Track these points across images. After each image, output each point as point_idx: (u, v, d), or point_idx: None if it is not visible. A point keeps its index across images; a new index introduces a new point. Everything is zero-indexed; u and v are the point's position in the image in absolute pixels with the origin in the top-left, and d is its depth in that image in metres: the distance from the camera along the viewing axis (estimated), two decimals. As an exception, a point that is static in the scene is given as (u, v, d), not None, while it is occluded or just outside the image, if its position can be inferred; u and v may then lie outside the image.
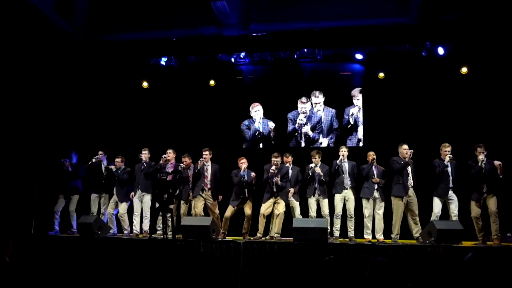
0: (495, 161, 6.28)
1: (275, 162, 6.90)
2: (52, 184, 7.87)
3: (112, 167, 7.55)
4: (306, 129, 8.56)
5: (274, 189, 6.88)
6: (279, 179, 6.82)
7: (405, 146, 6.75)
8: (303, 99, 8.62)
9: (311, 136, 8.52)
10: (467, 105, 7.76)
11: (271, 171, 6.86)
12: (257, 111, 8.83)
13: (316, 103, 8.57)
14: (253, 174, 6.99)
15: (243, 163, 7.09)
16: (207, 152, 7.27)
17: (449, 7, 7.54)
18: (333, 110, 8.50)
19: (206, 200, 7.18)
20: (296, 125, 8.61)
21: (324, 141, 8.46)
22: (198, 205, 7.12)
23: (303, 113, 8.60)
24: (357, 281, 2.45)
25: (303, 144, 8.53)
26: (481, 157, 6.34)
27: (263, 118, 8.79)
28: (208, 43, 8.28)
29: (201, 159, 7.20)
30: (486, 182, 6.31)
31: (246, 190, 7.02)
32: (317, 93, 8.59)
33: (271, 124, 8.72)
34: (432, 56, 7.84)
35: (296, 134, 8.60)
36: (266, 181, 6.94)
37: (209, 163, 7.29)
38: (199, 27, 8.42)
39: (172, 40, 8.35)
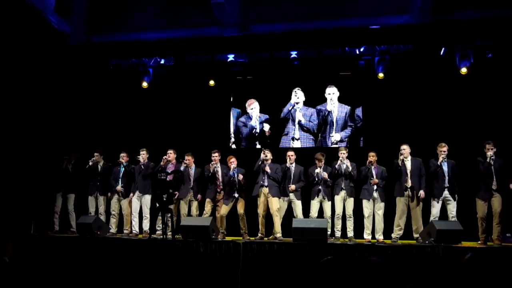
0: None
1: (265, 153, 7.00)
2: (52, 184, 7.87)
3: (122, 161, 7.57)
4: (300, 117, 8.46)
5: (265, 181, 6.91)
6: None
7: (402, 147, 6.76)
8: (297, 88, 8.54)
9: (303, 123, 8.42)
10: (467, 105, 7.74)
11: (261, 157, 6.94)
12: (253, 108, 8.72)
13: (330, 93, 8.38)
14: (241, 176, 7.00)
15: (232, 163, 7.12)
16: (216, 154, 7.27)
17: (450, 7, 7.54)
18: (348, 107, 8.36)
19: (218, 202, 7.21)
20: (290, 102, 8.48)
21: (336, 136, 8.33)
22: (208, 206, 7.18)
23: (296, 96, 8.49)
24: (356, 282, 2.45)
25: (298, 135, 8.41)
26: (490, 153, 6.31)
27: (259, 116, 8.71)
28: (208, 43, 8.27)
29: (212, 162, 7.21)
30: (495, 179, 6.29)
31: (236, 189, 7.02)
32: (332, 86, 8.45)
33: (267, 126, 8.62)
34: (432, 56, 7.83)
35: (290, 109, 8.44)
36: (257, 169, 7.00)
37: (219, 164, 7.29)
38: (199, 27, 8.40)
39: (172, 40, 8.35)
